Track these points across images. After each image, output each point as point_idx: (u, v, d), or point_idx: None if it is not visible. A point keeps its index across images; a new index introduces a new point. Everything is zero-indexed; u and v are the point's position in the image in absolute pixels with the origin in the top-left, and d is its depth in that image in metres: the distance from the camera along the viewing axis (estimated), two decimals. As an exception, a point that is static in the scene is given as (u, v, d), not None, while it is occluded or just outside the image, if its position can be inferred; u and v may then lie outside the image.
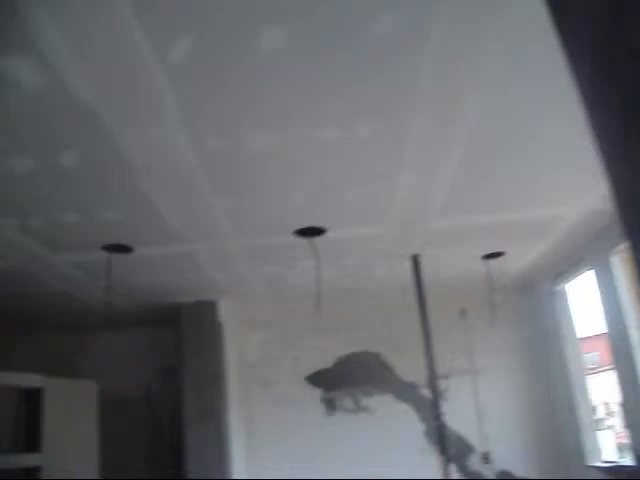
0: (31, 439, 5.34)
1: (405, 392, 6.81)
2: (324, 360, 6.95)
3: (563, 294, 6.56)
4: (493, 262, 5.77)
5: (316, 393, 6.89)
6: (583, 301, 8.50)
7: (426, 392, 6.70)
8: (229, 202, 3.92)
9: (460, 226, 4.72)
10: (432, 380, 5.22)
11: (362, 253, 5.16)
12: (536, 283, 6.79)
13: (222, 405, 5.89)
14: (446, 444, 5.06)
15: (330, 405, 6.85)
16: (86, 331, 7.10)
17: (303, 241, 4.63)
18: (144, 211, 3.94)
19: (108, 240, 4.44)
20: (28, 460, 5.25)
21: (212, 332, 6.06)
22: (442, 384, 6.66)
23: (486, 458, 6.59)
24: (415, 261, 5.34)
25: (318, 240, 4.63)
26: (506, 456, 6.60)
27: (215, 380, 5.94)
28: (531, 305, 6.96)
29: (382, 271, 5.68)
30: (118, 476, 6.17)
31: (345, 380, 6.88)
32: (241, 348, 6.87)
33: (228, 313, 6.31)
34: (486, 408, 6.72)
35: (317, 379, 6.91)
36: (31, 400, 5.47)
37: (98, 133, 3.00)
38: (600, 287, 5.44)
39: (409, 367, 6.76)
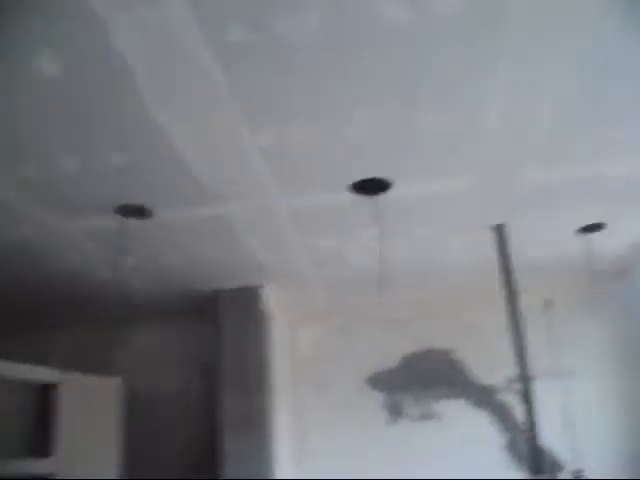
0: (44, 442, 4.61)
1: (481, 397, 5.82)
2: (388, 359, 6.02)
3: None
4: (590, 239, 4.80)
5: (378, 397, 5.96)
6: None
7: (506, 397, 5.74)
8: (264, 137, 3.04)
9: (559, 182, 3.77)
10: (524, 381, 4.18)
11: (435, 220, 4.22)
12: (637, 268, 5.73)
13: (267, 409, 5.02)
14: (542, 462, 4.05)
15: (394, 411, 5.92)
16: (117, 324, 6.34)
17: (363, 200, 3.74)
18: (159, 152, 3.10)
19: (121, 200, 3.63)
20: (39, 466, 4.50)
21: (256, 323, 5.20)
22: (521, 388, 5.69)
23: (578, 476, 5.53)
24: (500, 232, 4.39)
25: (382, 199, 3.73)
26: (602, 474, 5.54)
27: (259, 380, 5.08)
28: (631, 295, 5.89)
29: (458, 246, 4.72)
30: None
31: (411, 382, 5.94)
32: (292, 344, 6.01)
33: (277, 302, 5.45)
34: (577, 417, 5.70)
35: (379, 381, 5.99)
36: (46, 398, 4.74)
37: (81, 20, 2.18)
38: None
39: (486, 367, 5.80)
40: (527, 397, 4.11)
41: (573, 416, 5.69)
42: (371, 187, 3.61)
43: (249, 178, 3.44)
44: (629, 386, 5.78)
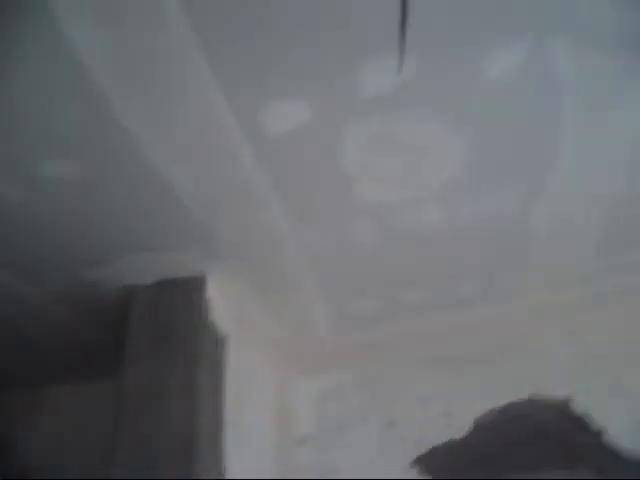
0: None
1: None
2: (449, 425, 3.38)
3: None
4: None
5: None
6: None
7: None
8: None
9: None
10: None
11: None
12: None
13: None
14: None
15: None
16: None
17: None
18: None
19: None
20: None
21: (192, 348, 2.64)
22: None
23: None
24: None
25: None
26: None
27: (187, 466, 2.44)
28: None
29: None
30: None
31: (496, 463, 3.25)
32: (280, 406, 3.42)
33: (240, 314, 2.95)
34: None
35: (437, 463, 3.33)
36: None
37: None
38: None
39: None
40: None
41: None
42: None
43: None
44: None
